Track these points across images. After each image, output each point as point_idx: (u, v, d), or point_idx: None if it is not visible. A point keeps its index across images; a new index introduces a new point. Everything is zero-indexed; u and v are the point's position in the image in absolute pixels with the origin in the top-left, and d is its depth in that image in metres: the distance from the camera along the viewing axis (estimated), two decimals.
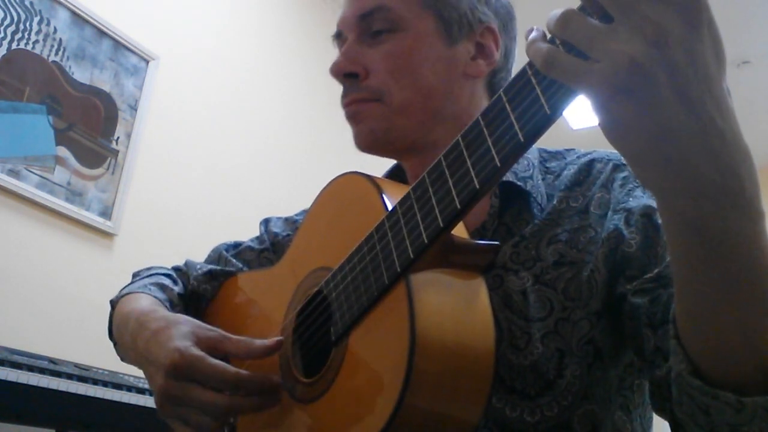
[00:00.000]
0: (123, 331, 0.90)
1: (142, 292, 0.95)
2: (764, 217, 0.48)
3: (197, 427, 0.73)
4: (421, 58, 0.84)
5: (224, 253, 1.06)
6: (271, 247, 1.04)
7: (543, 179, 0.84)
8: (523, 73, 0.53)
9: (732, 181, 0.45)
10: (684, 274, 0.52)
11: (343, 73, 0.85)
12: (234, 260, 1.05)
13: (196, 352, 0.72)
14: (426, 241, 0.61)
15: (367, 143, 0.86)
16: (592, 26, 0.45)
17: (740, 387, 0.52)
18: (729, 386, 0.52)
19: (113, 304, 0.99)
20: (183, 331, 0.76)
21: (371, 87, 0.84)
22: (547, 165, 0.87)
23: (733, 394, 0.51)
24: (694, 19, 0.43)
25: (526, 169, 0.83)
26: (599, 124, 0.46)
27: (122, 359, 1.00)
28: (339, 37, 0.91)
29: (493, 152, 0.56)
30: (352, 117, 0.86)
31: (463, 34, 0.86)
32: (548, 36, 0.49)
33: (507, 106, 0.55)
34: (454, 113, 0.85)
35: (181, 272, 1.06)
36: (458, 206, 0.59)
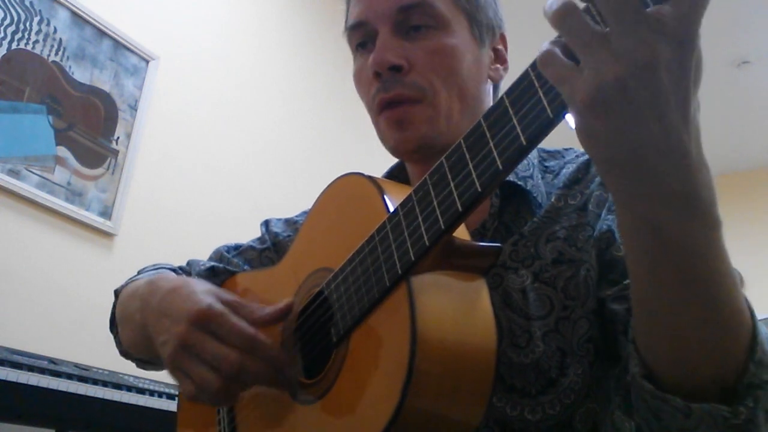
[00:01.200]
0: (130, 303, 0.89)
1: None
2: (721, 226, 0.50)
3: (200, 385, 0.72)
4: (462, 59, 0.83)
5: (225, 253, 1.07)
6: (273, 246, 1.04)
7: (542, 178, 0.85)
8: (525, 75, 0.53)
9: (691, 190, 0.47)
10: (640, 277, 0.53)
11: (390, 65, 0.80)
12: (236, 260, 1.05)
13: (222, 307, 0.73)
14: (427, 243, 0.61)
15: (413, 149, 0.83)
16: (587, 30, 0.45)
17: (692, 394, 0.53)
18: (682, 392, 0.53)
19: (117, 293, 0.99)
20: (204, 288, 0.77)
21: (416, 83, 0.81)
22: (546, 164, 0.87)
23: (682, 400, 0.52)
24: (688, 50, 0.44)
25: (526, 168, 0.84)
26: (575, 127, 0.47)
27: (122, 348, 1.00)
28: (359, 27, 0.85)
29: (495, 155, 0.56)
30: (399, 123, 0.81)
31: (488, 38, 0.87)
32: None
33: (509, 108, 0.55)
34: (477, 117, 0.85)
35: (184, 270, 1.07)
36: (460, 209, 0.59)
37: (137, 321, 0.85)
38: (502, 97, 0.56)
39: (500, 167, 0.55)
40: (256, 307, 0.76)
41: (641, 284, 0.54)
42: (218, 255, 1.08)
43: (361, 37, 0.86)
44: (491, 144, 0.56)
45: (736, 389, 0.52)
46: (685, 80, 0.45)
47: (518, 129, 0.53)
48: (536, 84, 0.52)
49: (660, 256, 0.50)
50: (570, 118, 0.48)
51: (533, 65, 0.52)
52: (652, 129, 0.45)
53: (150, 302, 0.81)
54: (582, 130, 0.47)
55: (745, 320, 0.53)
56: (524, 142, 0.53)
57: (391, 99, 0.81)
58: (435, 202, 0.62)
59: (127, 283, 0.99)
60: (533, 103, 0.52)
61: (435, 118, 0.81)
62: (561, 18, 0.46)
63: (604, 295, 0.73)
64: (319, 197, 0.85)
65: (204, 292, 0.76)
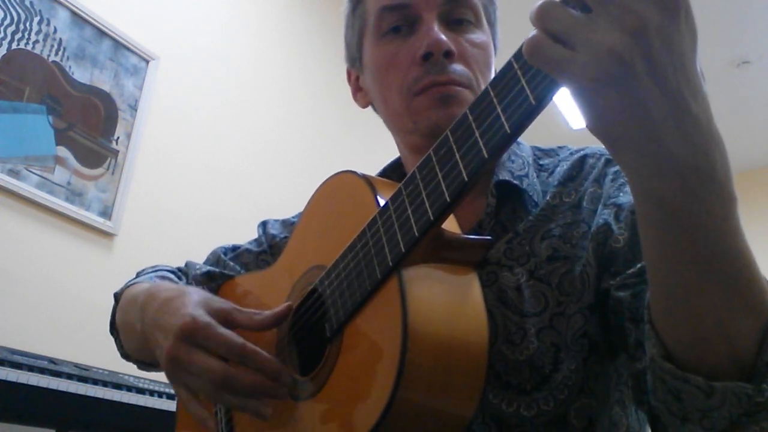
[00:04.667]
0: (130, 310, 0.90)
1: (147, 282, 0.96)
2: (736, 202, 0.49)
3: (192, 395, 0.74)
4: (492, 56, 0.87)
5: (222, 256, 1.07)
6: (269, 249, 1.05)
7: (538, 177, 0.85)
8: (508, 65, 0.54)
9: (704, 163, 0.46)
10: (656, 257, 0.52)
11: (448, 48, 0.81)
12: (232, 263, 1.05)
13: (207, 319, 0.73)
14: (417, 234, 0.62)
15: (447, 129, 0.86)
16: (571, 16, 0.45)
17: (711, 373, 0.52)
18: (701, 372, 0.52)
19: (117, 296, 0.99)
20: (195, 299, 0.77)
21: (464, 71, 0.82)
22: (541, 162, 0.88)
23: (704, 379, 0.52)
24: (672, 9, 0.44)
25: (521, 167, 0.84)
26: (582, 113, 0.47)
27: (123, 351, 1.00)
28: (398, 10, 0.85)
29: (481, 144, 0.56)
30: (447, 98, 0.81)
31: (497, 41, 0.90)
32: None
33: (494, 98, 0.55)
34: None
35: (182, 272, 1.07)
36: (448, 199, 0.59)
37: (138, 330, 0.86)
38: (487, 88, 0.57)
39: (486, 156, 0.56)
40: (252, 313, 0.76)
41: (659, 264, 0.53)
42: (215, 257, 1.08)
43: (397, 20, 0.85)
44: (477, 134, 0.57)
45: (756, 366, 0.52)
46: (679, 46, 0.44)
47: (503, 117, 0.54)
48: (519, 73, 0.52)
49: (677, 236, 0.49)
50: (575, 111, 0.48)
51: (516, 55, 0.53)
52: (656, 98, 0.44)
53: (147, 313, 0.82)
54: (588, 113, 0.46)
55: (764, 297, 0.52)
56: (508, 130, 0.54)
57: (445, 81, 0.81)
58: (424, 194, 0.62)
59: (126, 287, 0.99)
60: (516, 91, 0.53)
61: None
62: (543, 13, 0.46)
63: (608, 285, 0.72)
64: (312, 196, 0.86)
65: (194, 303, 0.76)
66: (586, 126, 0.48)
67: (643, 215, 0.51)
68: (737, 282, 0.50)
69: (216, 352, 0.72)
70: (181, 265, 1.10)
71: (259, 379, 0.72)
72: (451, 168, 0.60)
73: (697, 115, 0.46)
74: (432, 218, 0.61)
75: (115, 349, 1.04)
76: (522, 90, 0.52)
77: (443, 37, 0.81)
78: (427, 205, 0.61)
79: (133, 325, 0.88)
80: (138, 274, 1.06)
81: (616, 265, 0.73)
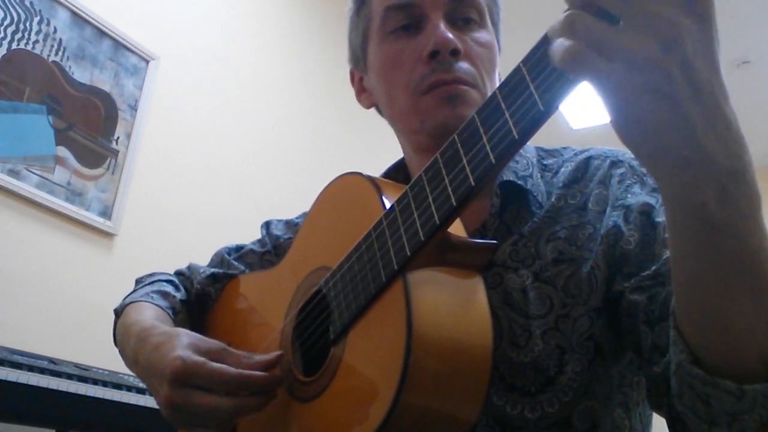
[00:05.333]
0: (125, 345, 0.90)
1: (145, 301, 0.95)
2: (761, 200, 0.49)
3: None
4: (497, 56, 0.88)
5: (226, 256, 1.07)
6: (273, 249, 1.05)
7: (542, 177, 0.85)
8: (517, 70, 0.53)
9: (739, 166, 0.46)
10: (688, 265, 0.52)
11: (455, 47, 0.81)
12: (236, 263, 1.05)
13: (197, 358, 0.72)
14: (423, 238, 0.61)
15: (454, 128, 0.86)
16: (604, 26, 0.44)
17: (740, 376, 0.52)
18: (729, 376, 0.52)
19: (117, 313, 0.99)
20: (184, 342, 0.76)
21: (470, 70, 0.82)
22: (545, 162, 0.88)
23: (734, 383, 0.51)
24: (702, 14, 0.43)
25: (525, 168, 0.84)
26: (614, 125, 0.46)
27: (128, 367, 1.00)
28: (405, 8, 0.85)
29: (488, 149, 0.56)
30: (454, 97, 0.81)
31: (500, 42, 0.90)
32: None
33: (502, 103, 0.55)
34: None
35: (183, 276, 1.07)
36: (454, 203, 0.59)
37: (134, 370, 0.87)
38: (495, 92, 0.56)
39: (493, 161, 0.55)
40: (242, 356, 0.75)
41: (688, 273, 0.52)
42: (219, 258, 1.08)
43: (403, 19, 0.85)
44: (484, 139, 0.57)
45: None
46: (711, 50, 0.44)
47: (510, 123, 0.54)
48: (527, 78, 0.52)
49: (709, 241, 0.48)
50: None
51: (525, 60, 0.52)
52: (694, 104, 0.44)
53: (139, 359, 0.82)
54: (625, 124, 0.45)
55: None
56: (516, 136, 0.53)
57: (452, 80, 0.81)
58: (430, 198, 0.62)
59: (124, 304, 0.97)
60: (525, 96, 0.52)
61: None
62: (571, 26, 0.45)
63: (621, 288, 0.72)
64: (317, 197, 0.86)
65: (183, 346, 0.75)
66: (624, 139, 0.46)
67: (676, 225, 0.50)
68: (766, 283, 0.50)
69: (216, 389, 0.71)
70: (182, 266, 1.09)
71: (265, 400, 0.72)
72: (458, 172, 0.59)
73: (729, 116, 0.45)
74: (438, 222, 0.60)
75: (115, 349, 1.04)
76: (530, 95, 0.51)
77: (450, 35, 0.81)
78: (433, 208, 0.61)
79: (131, 363, 0.88)
80: (136, 283, 1.06)
81: (628, 267, 0.73)
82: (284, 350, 0.79)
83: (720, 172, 0.45)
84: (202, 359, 0.72)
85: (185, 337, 0.78)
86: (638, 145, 0.46)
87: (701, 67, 0.44)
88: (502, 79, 0.56)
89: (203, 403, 0.70)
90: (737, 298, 0.50)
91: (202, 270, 1.05)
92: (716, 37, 0.44)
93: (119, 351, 0.99)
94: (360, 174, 0.77)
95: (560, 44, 0.46)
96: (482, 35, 0.85)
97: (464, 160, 0.59)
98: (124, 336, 0.91)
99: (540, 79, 0.51)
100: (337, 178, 0.82)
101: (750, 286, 0.50)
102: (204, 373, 0.71)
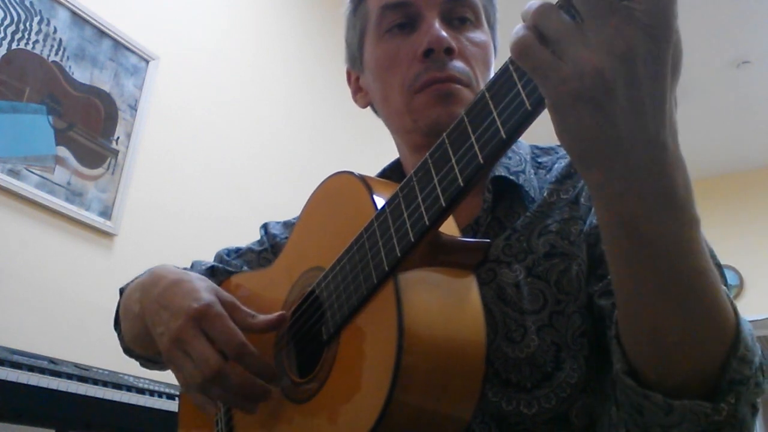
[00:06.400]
0: (131, 294, 0.90)
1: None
2: (699, 223, 0.50)
3: (186, 380, 0.74)
4: (492, 56, 0.88)
5: (225, 257, 1.08)
6: (271, 248, 1.05)
7: (536, 174, 0.85)
8: (505, 69, 0.53)
9: (669, 188, 0.47)
10: (620, 274, 0.53)
11: (449, 45, 0.81)
12: (235, 262, 1.06)
13: (221, 310, 0.74)
14: (413, 239, 0.61)
15: (447, 127, 0.86)
16: (564, 24, 0.45)
17: (675, 390, 0.53)
18: (664, 388, 0.53)
19: (122, 291, 1.00)
20: (206, 285, 0.78)
21: (464, 69, 0.83)
22: (539, 160, 0.88)
23: (663, 396, 0.52)
24: (662, 41, 0.44)
25: (518, 164, 0.84)
26: (553, 122, 0.47)
27: (124, 345, 1.00)
28: (401, 7, 0.85)
29: (476, 149, 0.56)
30: (446, 96, 0.81)
31: (496, 43, 0.90)
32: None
33: (489, 102, 0.55)
34: None
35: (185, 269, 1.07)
36: (443, 204, 0.59)
37: (136, 312, 0.86)
38: (483, 92, 0.56)
39: (482, 162, 0.55)
40: (248, 314, 0.76)
41: (621, 283, 0.53)
42: (218, 258, 1.09)
43: (398, 18, 0.86)
44: (473, 138, 0.56)
45: (719, 385, 0.52)
46: (662, 75, 0.44)
47: (498, 122, 0.53)
48: (515, 77, 0.52)
49: (638, 255, 0.50)
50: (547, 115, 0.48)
51: (512, 58, 0.52)
52: (629, 121, 0.44)
53: (150, 292, 0.82)
54: (560, 126, 0.47)
55: (727, 317, 0.53)
56: (504, 136, 0.53)
57: (446, 78, 0.82)
58: (419, 198, 0.62)
59: (132, 281, 0.99)
60: (512, 96, 0.52)
61: None
62: (540, 13, 0.46)
63: (592, 291, 0.73)
64: (310, 197, 0.86)
65: (206, 289, 0.77)
66: (558, 140, 0.48)
67: (606, 231, 0.52)
68: (699, 303, 0.51)
69: (218, 343, 0.72)
70: (186, 265, 1.10)
71: (249, 381, 0.73)
72: (447, 172, 0.59)
73: (666, 140, 0.46)
74: (428, 223, 0.60)
75: (115, 349, 1.04)
76: (518, 94, 0.51)
77: (444, 34, 0.81)
78: (423, 209, 0.61)
79: (132, 307, 0.88)
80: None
81: (602, 269, 0.73)
82: (278, 351, 0.79)
83: (647, 191, 0.46)
84: (225, 312, 0.74)
85: (203, 280, 0.79)
86: (568, 146, 0.48)
87: (648, 91, 0.44)
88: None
89: (202, 349, 0.72)
90: (667, 314, 0.51)
91: (203, 264, 1.06)
92: (671, 64, 0.45)
93: (119, 332, 1.00)
94: (351, 173, 0.77)
95: (518, 29, 0.47)
96: (477, 35, 0.86)
97: (453, 161, 0.59)
98: (132, 290, 0.91)
99: (527, 78, 0.50)
100: (328, 178, 0.82)
101: (681, 304, 0.51)
102: (220, 325, 0.72)
